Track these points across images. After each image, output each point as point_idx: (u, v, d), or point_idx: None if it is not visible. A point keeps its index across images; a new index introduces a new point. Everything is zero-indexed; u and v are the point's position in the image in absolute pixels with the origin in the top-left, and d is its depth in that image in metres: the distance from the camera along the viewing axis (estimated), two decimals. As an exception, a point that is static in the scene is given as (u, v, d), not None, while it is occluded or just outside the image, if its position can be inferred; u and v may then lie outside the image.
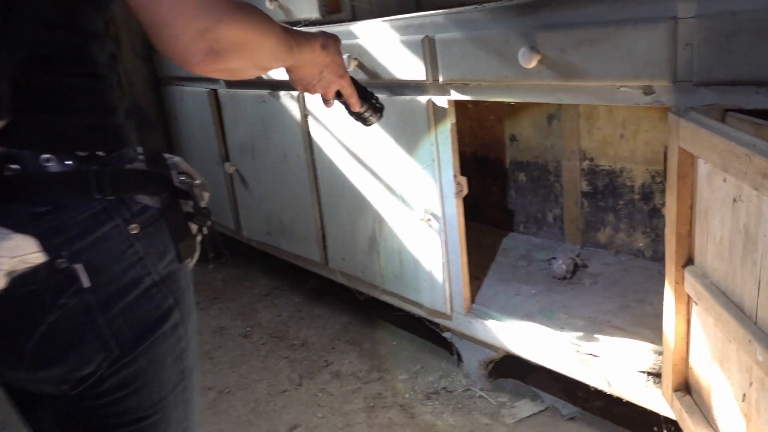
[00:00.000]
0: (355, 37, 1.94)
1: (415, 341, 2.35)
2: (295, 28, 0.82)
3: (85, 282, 0.62)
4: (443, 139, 1.81)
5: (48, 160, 0.60)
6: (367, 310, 2.59)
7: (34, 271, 0.59)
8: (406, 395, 2.06)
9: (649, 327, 1.75)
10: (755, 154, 0.96)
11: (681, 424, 1.37)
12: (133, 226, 0.65)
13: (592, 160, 2.19)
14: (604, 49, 1.26)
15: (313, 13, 1.98)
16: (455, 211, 1.86)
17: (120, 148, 0.66)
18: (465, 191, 1.85)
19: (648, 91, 1.32)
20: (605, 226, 2.22)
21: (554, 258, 2.16)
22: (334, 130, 2.15)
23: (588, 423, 1.83)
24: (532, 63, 1.43)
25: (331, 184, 2.25)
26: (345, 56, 1.92)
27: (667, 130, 1.26)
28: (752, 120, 1.16)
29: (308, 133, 2.07)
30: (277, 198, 2.31)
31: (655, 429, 1.68)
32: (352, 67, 1.94)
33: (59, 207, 0.61)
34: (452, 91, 1.74)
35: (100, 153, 0.64)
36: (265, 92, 2.20)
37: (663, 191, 2.03)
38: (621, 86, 1.36)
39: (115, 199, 0.64)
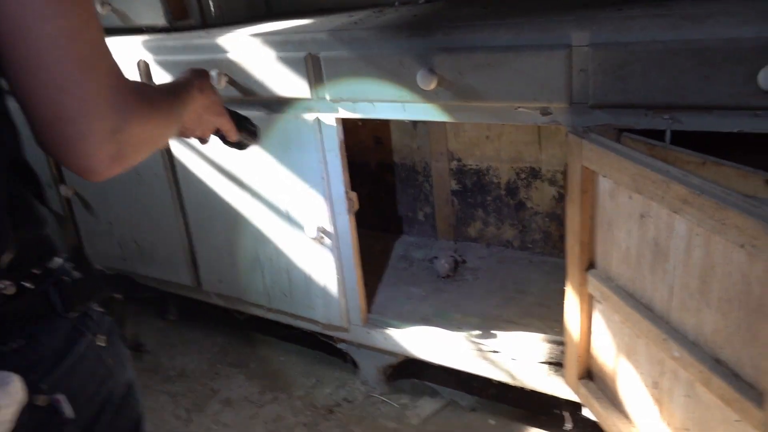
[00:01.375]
0: (223, 51, 1.82)
1: (303, 354, 2.33)
2: (171, 83, 0.76)
3: (69, 413, 0.57)
4: (332, 157, 1.80)
5: (5, 288, 0.53)
6: (245, 329, 2.51)
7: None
8: (308, 413, 2.04)
9: (536, 317, 1.90)
10: (672, 181, 1.09)
11: (589, 408, 1.53)
12: (102, 338, 0.62)
13: (459, 160, 2.29)
14: (502, 73, 1.31)
15: (158, 20, 1.83)
16: (348, 227, 1.86)
17: (54, 256, 0.60)
18: (356, 206, 1.85)
19: (545, 112, 1.42)
20: (475, 220, 2.35)
21: (435, 257, 2.25)
22: (203, 148, 2.02)
23: (490, 411, 1.94)
24: (432, 85, 1.46)
25: (200, 204, 2.12)
26: (214, 72, 1.80)
27: (567, 148, 1.36)
28: (645, 140, 1.30)
29: (168, 151, 1.92)
30: (132, 221, 2.14)
31: (556, 411, 1.85)
32: (222, 85, 1.83)
33: (31, 336, 0.55)
34: (341, 109, 1.72)
35: (50, 266, 0.59)
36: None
37: (527, 186, 2.20)
38: (519, 107, 1.44)
39: (81, 314, 0.60)
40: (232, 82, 1.84)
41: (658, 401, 1.26)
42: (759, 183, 1.00)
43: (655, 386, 1.25)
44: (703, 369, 1.06)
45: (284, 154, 1.88)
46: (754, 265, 0.92)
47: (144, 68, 1.82)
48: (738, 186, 1.01)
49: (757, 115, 1.03)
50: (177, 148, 2.08)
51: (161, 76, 1.82)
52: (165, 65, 1.79)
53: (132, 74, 1.81)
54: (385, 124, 2.42)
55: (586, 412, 1.47)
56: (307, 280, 2.00)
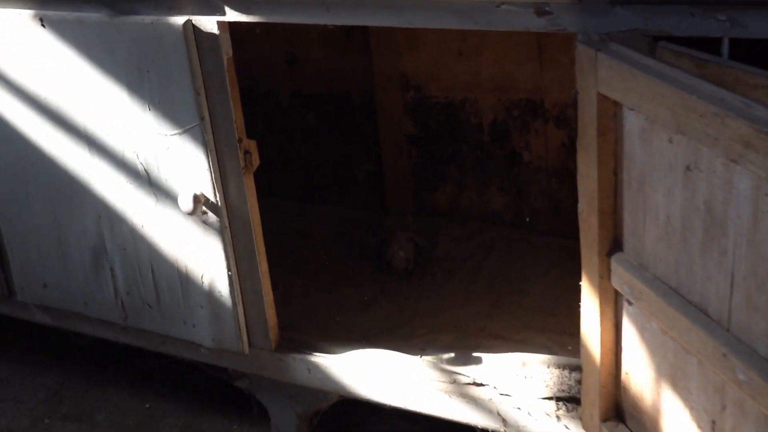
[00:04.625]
0: None
1: (181, 398, 2.31)
2: None
3: None
4: (215, 84, 1.77)
5: None
6: (88, 361, 2.46)
7: None
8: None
9: (538, 329, 1.92)
10: (730, 114, 1.10)
11: (618, 464, 1.57)
12: None
13: (418, 89, 2.28)
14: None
15: None
16: (244, 195, 1.85)
17: None
18: (256, 162, 1.84)
19: (541, 10, 1.42)
20: (445, 183, 2.34)
21: (384, 242, 2.24)
22: (6, 70, 1.97)
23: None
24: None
25: (6, 166, 2.08)
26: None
27: (576, 66, 1.37)
28: (691, 54, 1.32)
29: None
30: None
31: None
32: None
33: None
34: (227, 9, 1.69)
35: None
36: None
37: (523, 128, 2.21)
38: (502, 3, 1.44)
39: None
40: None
41: (719, 450, 1.29)
42: None
43: (712, 427, 1.29)
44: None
45: (138, 82, 1.83)
46: None
47: None
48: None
49: None
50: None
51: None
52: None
53: None
54: (301, 33, 2.38)
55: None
56: (184, 281, 1.98)
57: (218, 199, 1.86)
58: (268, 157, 2.42)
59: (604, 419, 1.59)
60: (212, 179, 1.85)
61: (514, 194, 2.21)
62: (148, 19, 1.76)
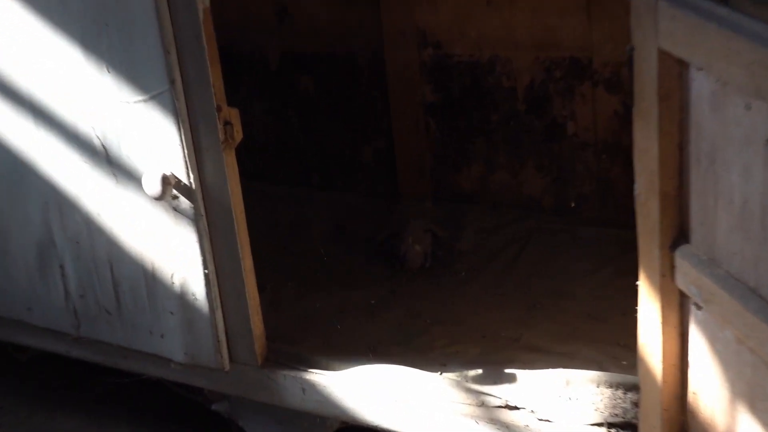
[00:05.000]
0: None
1: (147, 427, 2.31)
2: None
3: None
4: (189, 41, 1.77)
5: None
6: (31, 379, 2.47)
7: None
8: None
9: (584, 338, 1.91)
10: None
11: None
12: None
13: (438, 46, 2.27)
14: None
15: None
16: (223, 175, 1.85)
17: None
18: (239, 135, 1.84)
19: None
20: (470, 161, 2.33)
21: (395, 236, 2.23)
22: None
23: None
24: None
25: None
26: None
27: (632, 17, 1.37)
28: (776, -1, 1.31)
29: None
30: None
31: None
32: None
33: None
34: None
35: None
36: None
37: (566, 94, 2.20)
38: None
39: None
40: None
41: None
42: None
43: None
44: None
45: (95, 39, 1.84)
46: None
47: None
48: None
49: None
50: None
51: None
52: None
53: None
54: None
55: None
56: (150, 282, 1.98)
57: (192, 180, 1.86)
58: (254, 131, 2.46)
59: (667, 450, 1.58)
60: (184, 156, 1.85)
61: (555, 175, 2.21)
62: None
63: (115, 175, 1.92)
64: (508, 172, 2.25)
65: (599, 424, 1.74)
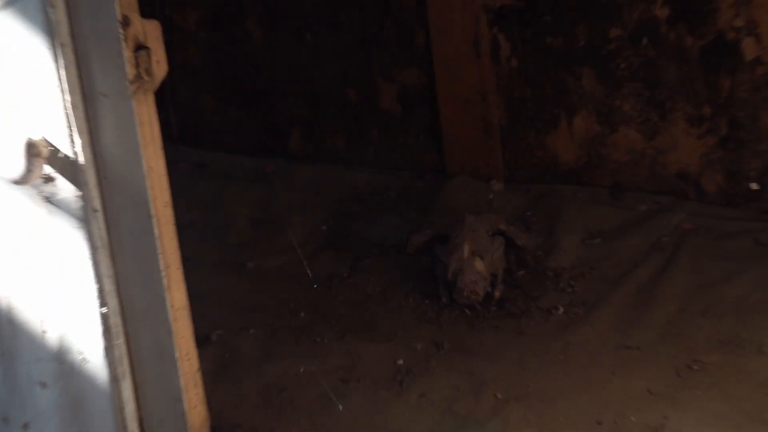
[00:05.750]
0: None
1: None
2: None
3: None
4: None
5: None
6: None
7: None
8: None
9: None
10: None
11: None
12: None
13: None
14: None
15: None
16: (135, 140, 1.52)
17: None
18: (160, 69, 1.50)
19: None
20: (570, 110, 1.85)
21: (441, 241, 1.76)
22: None
23: None
24: None
25: None
26: None
27: None
28: None
29: None
30: None
31: None
32: None
33: None
34: None
35: None
36: None
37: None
38: None
39: None
40: None
41: None
42: None
43: None
44: None
45: None
46: None
47: None
48: None
49: None
50: None
51: None
52: None
53: None
54: None
55: None
56: (4, 332, 1.69)
57: (78, 150, 1.54)
58: (208, 69, 2.25)
59: None
60: (65, 108, 1.54)
61: (722, 133, 1.69)
62: None
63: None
64: (639, 130, 1.75)
65: None
